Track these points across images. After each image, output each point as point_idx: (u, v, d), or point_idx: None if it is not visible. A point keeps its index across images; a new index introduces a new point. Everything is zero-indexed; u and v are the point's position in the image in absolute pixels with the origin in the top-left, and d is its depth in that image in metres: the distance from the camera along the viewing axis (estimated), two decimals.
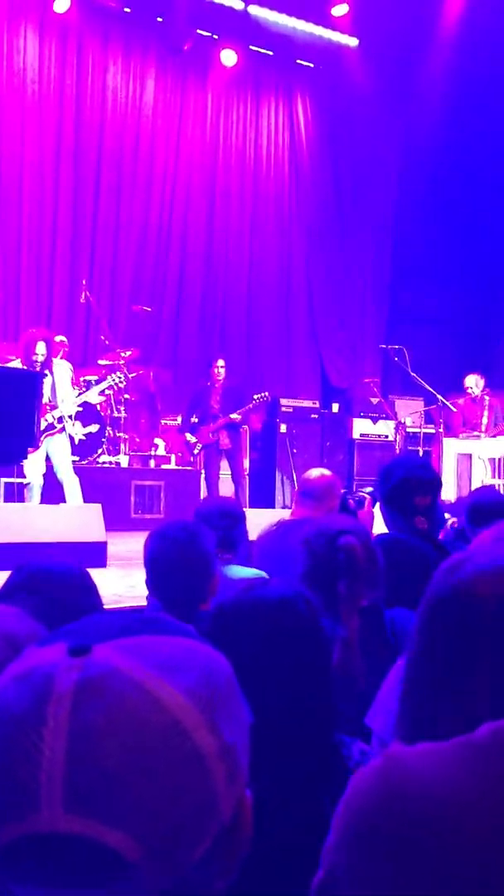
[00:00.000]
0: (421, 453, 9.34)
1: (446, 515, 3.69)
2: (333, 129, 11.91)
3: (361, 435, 10.36)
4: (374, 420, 10.43)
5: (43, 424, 6.53)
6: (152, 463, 8.89)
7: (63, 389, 6.93)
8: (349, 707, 1.68)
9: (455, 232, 11.74)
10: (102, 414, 8.21)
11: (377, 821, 0.86)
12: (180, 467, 8.94)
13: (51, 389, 6.79)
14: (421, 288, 12.09)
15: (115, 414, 8.41)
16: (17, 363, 6.69)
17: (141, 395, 9.30)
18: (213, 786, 0.65)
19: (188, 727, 0.63)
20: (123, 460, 8.42)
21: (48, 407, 6.73)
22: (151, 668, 0.65)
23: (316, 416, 10.33)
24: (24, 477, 6.69)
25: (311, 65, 11.68)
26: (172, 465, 8.98)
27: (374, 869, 0.85)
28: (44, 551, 4.96)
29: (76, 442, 7.27)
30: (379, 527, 3.26)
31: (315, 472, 3.75)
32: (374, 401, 10.48)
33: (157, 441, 9.19)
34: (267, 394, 8.78)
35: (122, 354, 8.62)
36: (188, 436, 8.65)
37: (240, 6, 10.65)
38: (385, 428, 10.29)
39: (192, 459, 8.83)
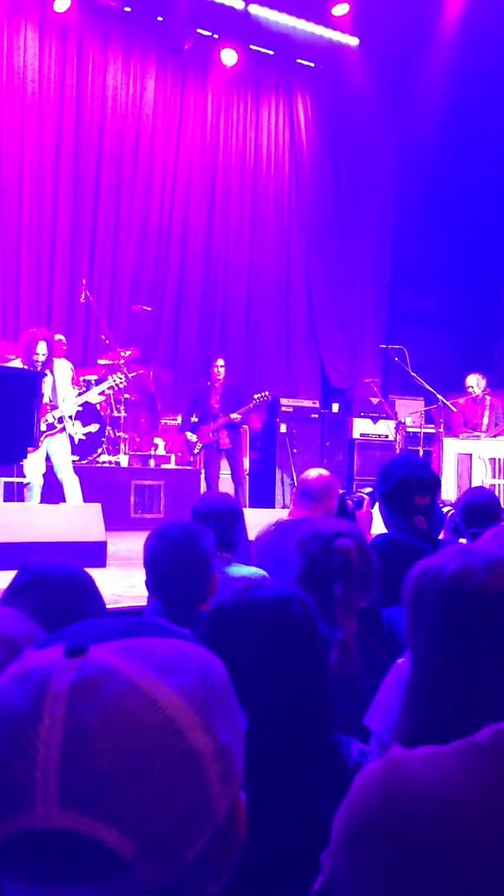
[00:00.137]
0: (421, 453, 9.33)
1: (445, 510, 3.70)
2: (333, 129, 11.91)
3: (361, 435, 10.36)
4: (374, 420, 10.44)
5: (43, 425, 6.53)
6: (152, 463, 8.89)
7: (63, 389, 6.93)
8: (348, 707, 1.68)
9: (454, 232, 11.75)
10: (102, 413, 8.21)
11: (378, 823, 0.86)
12: (180, 467, 8.94)
13: (51, 389, 6.79)
14: (421, 288, 12.09)
15: (115, 413, 8.41)
16: (17, 363, 6.69)
17: (141, 394, 9.30)
18: (208, 786, 0.65)
19: (183, 727, 0.64)
20: (123, 460, 8.42)
21: (48, 407, 6.73)
22: (147, 668, 0.65)
23: (316, 415, 10.33)
24: (24, 477, 6.69)
25: (312, 64, 11.68)
26: (172, 465, 8.98)
27: (375, 871, 0.85)
28: (44, 551, 4.97)
29: (76, 441, 7.27)
30: (377, 527, 3.26)
31: (313, 473, 3.74)
32: (374, 401, 10.48)
33: (157, 441, 9.19)
34: (267, 393, 8.78)
35: (122, 354, 8.62)
36: (188, 435, 8.65)
37: (240, 6, 10.65)
38: (385, 428, 10.30)
39: (192, 459, 8.83)
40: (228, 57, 10.91)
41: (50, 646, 0.68)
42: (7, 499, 6.88)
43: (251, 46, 11.11)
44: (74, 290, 9.60)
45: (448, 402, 8.92)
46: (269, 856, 1.27)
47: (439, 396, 8.94)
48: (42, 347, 6.66)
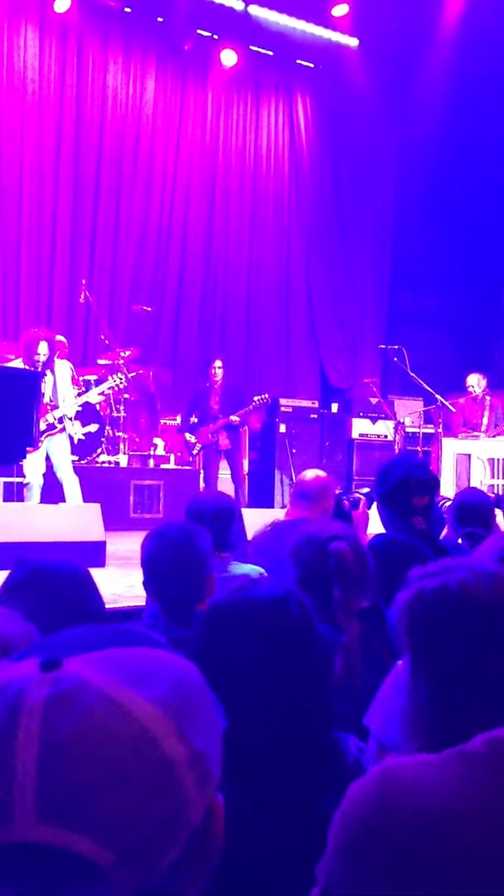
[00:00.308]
0: (420, 453, 9.33)
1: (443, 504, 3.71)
2: (333, 129, 11.91)
3: (361, 435, 10.36)
4: (374, 420, 10.43)
5: (43, 425, 6.53)
6: (151, 463, 8.89)
7: (64, 389, 6.93)
8: (350, 709, 1.68)
9: (454, 232, 11.75)
10: (102, 413, 8.21)
11: (373, 831, 0.86)
12: (179, 467, 8.94)
13: (51, 389, 6.80)
14: (420, 288, 12.09)
15: (115, 413, 8.41)
16: (18, 363, 6.69)
17: (140, 394, 9.30)
18: (184, 792, 0.66)
19: (157, 736, 0.65)
20: (123, 460, 8.42)
21: (49, 407, 6.73)
22: (121, 679, 0.67)
23: (315, 416, 10.33)
24: (24, 477, 6.69)
25: (312, 65, 11.68)
26: (172, 465, 8.98)
27: (370, 879, 0.85)
28: (43, 551, 4.97)
29: (75, 441, 7.27)
30: (374, 528, 3.26)
31: (310, 473, 3.73)
32: (374, 401, 10.48)
33: (157, 441, 9.19)
34: (267, 395, 8.78)
35: (122, 354, 8.61)
36: (188, 435, 8.65)
37: (240, 6, 10.65)
38: (384, 428, 10.29)
39: (191, 459, 8.83)
40: (228, 57, 10.91)
41: (25, 659, 0.69)
42: (7, 499, 6.88)
43: (251, 47, 11.12)
44: (74, 290, 9.60)
45: (447, 403, 8.92)
46: (268, 856, 1.27)
47: (438, 397, 8.94)
48: (43, 347, 6.66)
